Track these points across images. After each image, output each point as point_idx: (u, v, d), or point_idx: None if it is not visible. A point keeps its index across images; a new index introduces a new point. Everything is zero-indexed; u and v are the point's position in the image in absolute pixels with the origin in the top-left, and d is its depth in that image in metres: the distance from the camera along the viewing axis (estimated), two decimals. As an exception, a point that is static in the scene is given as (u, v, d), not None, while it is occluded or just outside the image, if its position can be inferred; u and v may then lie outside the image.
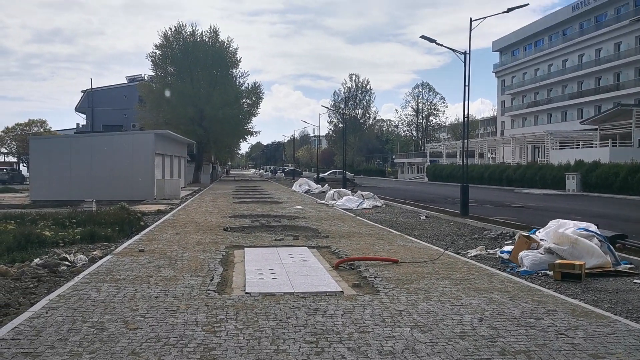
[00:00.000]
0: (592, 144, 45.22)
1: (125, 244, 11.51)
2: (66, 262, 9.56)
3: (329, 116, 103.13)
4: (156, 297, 6.94)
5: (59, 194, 26.79)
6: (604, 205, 25.52)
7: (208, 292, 7.25)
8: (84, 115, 66.72)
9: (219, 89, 50.82)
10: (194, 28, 53.05)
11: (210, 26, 53.77)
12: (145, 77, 61.55)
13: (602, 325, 5.95)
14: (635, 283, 8.57)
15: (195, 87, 50.57)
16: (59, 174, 27.44)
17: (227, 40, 53.98)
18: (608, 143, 41.79)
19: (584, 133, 49.54)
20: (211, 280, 7.98)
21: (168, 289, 7.36)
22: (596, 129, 46.34)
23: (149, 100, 50.53)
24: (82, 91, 67.62)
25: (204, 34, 53.21)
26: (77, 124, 70.63)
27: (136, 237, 12.62)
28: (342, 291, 7.43)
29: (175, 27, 51.99)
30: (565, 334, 5.63)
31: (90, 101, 64.75)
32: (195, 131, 49.65)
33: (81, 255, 10.16)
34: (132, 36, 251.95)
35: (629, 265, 9.69)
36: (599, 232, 10.11)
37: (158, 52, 51.23)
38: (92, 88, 65.87)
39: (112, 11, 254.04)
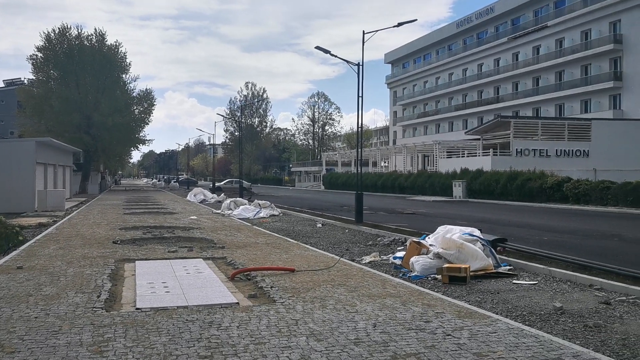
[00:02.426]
0: (476, 153, 48.13)
1: (1, 261, 10.63)
2: None
3: (225, 124, 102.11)
4: (36, 317, 6.45)
5: None
6: (487, 211, 27.20)
7: (94, 309, 6.85)
8: (-45, 121, 61.30)
9: (108, 95, 48.75)
10: (79, 31, 50.62)
11: (96, 29, 51.37)
12: (26, 81, 57.73)
13: (485, 325, 6.29)
14: (514, 284, 9.17)
15: (82, 92, 48.17)
16: None
17: (116, 44, 51.97)
18: (490, 152, 44.69)
19: (469, 143, 52.64)
20: (98, 296, 7.56)
21: (49, 308, 6.87)
22: (479, 139, 49.39)
23: (30, 106, 47.39)
24: (-48, 95, 62.13)
25: (90, 37, 50.82)
26: (-53, 131, 64.72)
27: (14, 253, 11.69)
28: (238, 302, 7.32)
29: (59, 28, 49.30)
30: (452, 334, 5.89)
31: (-38, 106, 59.61)
32: (82, 139, 47.17)
33: (-51, 275, 9.26)
34: (11, 37, 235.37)
35: (508, 267, 10.37)
36: (482, 237, 10.72)
37: (40, 54, 48.27)
38: (-36, 91, 60.67)
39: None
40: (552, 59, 55.32)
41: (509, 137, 43.85)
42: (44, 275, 9.13)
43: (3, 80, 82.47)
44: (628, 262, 10.62)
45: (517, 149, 43.16)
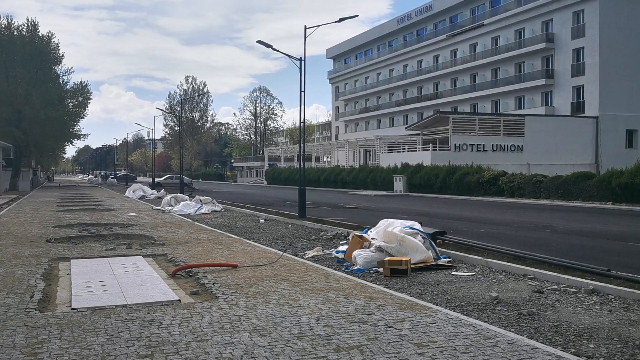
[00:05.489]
0: (416, 148, 49.07)
1: None
2: None
3: (165, 119, 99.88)
4: (-37, 320, 6.13)
5: None
6: (427, 204, 27.82)
7: (27, 310, 6.57)
8: None
9: (40, 88, 46.79)
10: (9, 20, 48.23)
11: (28, 19, 49.22)
12: (-50, 72, 54.63)
13: (425, 316, 6.43)
14: (453, 275, 9.42)
15: (12, 85, 46.01)
16: None
17: (48, 35, 49.88)
18: (429, 147, 45.67)
19: (409, 138, 53.58)
20: (31, 297, 7.25)
21: (-22, 311, 6.54)
22: (419, 134, 50.37)
23: (-46, 99, 44.88)
24: None
25: (21, 27, 48.56)
26: None
27: (-61, 254, 11.07)
28: (179, 300, 7.19)
29: (-13, 18, 46.82)
30: (394, 326, 5.99)
31: None
32: (12, 133, 45.03)
33: None
34: None
35: (447, 259, 10.64)
36: (422, 230, 10.95)
37: (-35, 45, 45.73)
38: None
39: None
40: (488, 57, 57.03)
41: (448, 132, 44.93)
42: (-29, 276, 8.67)
43: None
44: (559, 252, 11.12)
45: (455, 144, 44.27)
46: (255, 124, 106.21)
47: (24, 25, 48.84)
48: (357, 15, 22.31)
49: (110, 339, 5.50)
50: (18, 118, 46.39)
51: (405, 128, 56.94)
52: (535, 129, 45.37)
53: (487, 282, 8.85)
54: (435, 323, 6.14)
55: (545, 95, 52.34)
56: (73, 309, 6.72)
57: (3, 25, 47.44)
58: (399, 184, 39.80)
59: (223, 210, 24.26)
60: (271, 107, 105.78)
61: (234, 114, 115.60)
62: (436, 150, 45.17)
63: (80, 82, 54.62)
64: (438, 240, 11.72)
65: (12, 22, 48.34)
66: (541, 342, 5.63)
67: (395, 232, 10.37)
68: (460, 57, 61.51)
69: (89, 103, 54.34)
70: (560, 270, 9.08)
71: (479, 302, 7.50)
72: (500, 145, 45.15)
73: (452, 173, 36.38)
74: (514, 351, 5.18)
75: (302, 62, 20.89)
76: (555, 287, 8.31)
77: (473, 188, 34.21)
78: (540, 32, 51.87)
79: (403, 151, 50.20)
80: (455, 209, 24.41)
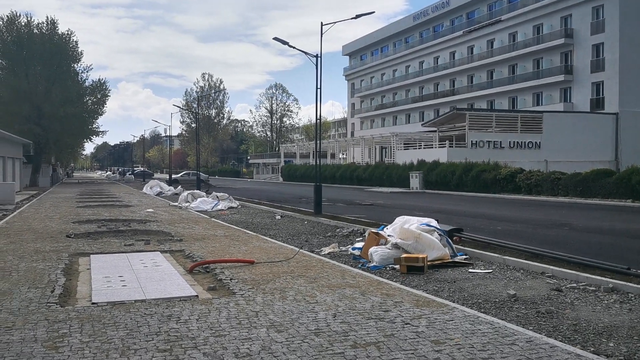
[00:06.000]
0: (432, 144, 48.81)
1: (-52, 257, 10.24)
2: None
3: (182, 116, 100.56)
4: (-14, 314, 6.25)
5: None
6: (443, 202, 27.69)
7: (49, 304, 6.68)
8: None
9: (59, 85, 47.28)
10: (29, 18, 48.74)
11: (47, 17, 49.68)
12: (-29, 70, 55.44)
13: (442, 313, 6.42)
14: (470, 272, 9.38)
15: (32, 82, 46.55)
16: None
17: (67, 33, 50.37)
18: (446, 144, 45.39)
19: (425, 134, 53.33)
20: (52, 291, 7.37)
21: (1, 304, 6.66)
22: (435, 131, 50.11)
23: (-24, 96, 45.56)
24: None
25: (40, 25, 49.10)
26: None
27: (-38, 248, 11.28)
28: (197, 295, 7.25)
29: (7, 16, 47.43)
30: (411, 323, 5.99)
31: None
32: (32, 130, 45.61)
33: None
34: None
35: (464, 256, 10.60)
36: (439, 227, 10.92)
37: (-14, 43, 46.34)
38: None
39: None
40: (506, 53, 56.50)
41: (465, 129, 44.64)
42: (-7, 270, 8.83)
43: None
44: (578, 250, 11.01)
45: (472, 141, 43.98)
46: (271, 121, 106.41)
47: (43, 23, 49.40)
48: (373, 12, 22.23)
49: (130, 333, 5.57)
50: (38, 115, 46.95)
51: (422, 125, 56.68)
52: (553, 125, 44.88)
53: (505, 279, 8.80)
54: (452, 320, 6.13)
55: (564, 92, 51.74)
56: (93, 303, 6.82)
57: (23, 23, 47.98)
58: (415, 181, 39.65)
59: (239, 206, 24.38)
60: (287, 104, 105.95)
61: (250, 110, 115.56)
62: (452, 147, 44.89)
63: (99, 79, 55.22)
64: (455, 238, 11.67)
65: (32, 20, 48.97)
66: (560, 341, 5.59)
67: (411, 229, 10.34)
68: (477, 54, 61.02)
69: (107, 100, 54.84)
70: (579, 269, 9.00)
71: (497, 300, 7.46)
72: (518, 142, 44.75)
73: (468, 170, 36.16)
74: (533, 349, 5.15)
75: (319, 58, 20.88)
76: (574, 285, 8.24)
77: (490, 185, 33.97)
78: (559, 28, 51.25)
79: (419, 148, 49.98)
80: (471, 206, 24.27)
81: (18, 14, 48.28)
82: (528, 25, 54.61)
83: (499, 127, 45.20)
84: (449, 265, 9.87)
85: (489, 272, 9.33)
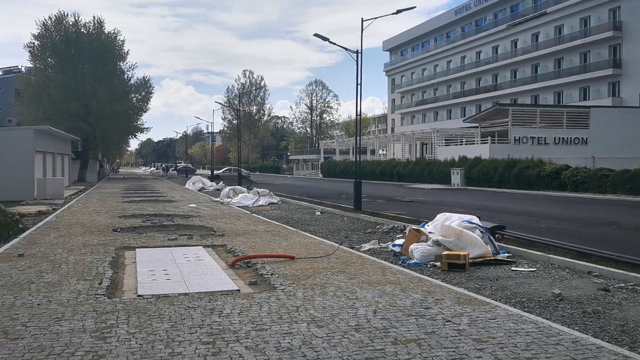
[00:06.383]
0: (474, 140, 48.08)
1: (2, 249, 10.65)
2: None
3: (223, 112, 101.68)
4: (38, 304, 6.49)
5: None
6: (485, 198, 27.26)
7: (97, 296, 6.89)
8: (-48, 109, 61.04)
9: (106, 83, 48.49)
10: (76, 18, 50.05)
11: (94, 17, 50.99)
12: (23, 69, 57.47)
13: (484, 311, 6.34)
14: (513, 270, 9.22)
15: (80, 80, 47.89)
16: None
17: (114, 32, 51.62)
18: (488, 140, 44.63)
19: (467, 130, 52.58)
20: (100, 283, 7.60)
21: (52, 295, 6.91)
22: (477, 127, 49.33)
23: (28, 94, 47.13)
24: (-51, 83, 61.80)
25: (87, 24, 50.45)
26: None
27: (14, 241, 11.72)
28: (238, 289, 7.36)
29: (56, 16, 48.84)
30: (452, 321, 5.94)
31: (-41, 94, 59.29)
32: (80, 127, 46.97)
33: (-50, 263, 9.28)
34: (7, 25, 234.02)
35: (507, 254, 10.42)
36: (480, 224, 10.77)
37: (37, 42, 47.83)
38: (-39, 79, 60.29)
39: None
40: (551, 46, 55.10)
41: (507, 124, 43.80)
42: (45, 262, 9.16)
43: (0, 68, 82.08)
44: (626, 249, 10.67)
45: (515, 137, 43.12)
46: (311, 117, 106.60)
47: (90, 23, 50.72)
48: (414, 7, 21.95)
49: (174, 325, 5.70)
50: (86, 113, 48.28)
51: (463, 120, 55.87)
52: (601, 120, 43.51)
53: (549, 278, 8.62)
54: (494, 319, 6.05)
55: (612, 86, 50.14)
56: (139, 295, 7.00)
57: (71, 23, 49.36)
58: (456, 178, 39.15)
59: (280, 202, 24.56)
60: (327, 100, 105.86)
61: (290, 107, 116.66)
62: (495, 143, 44.13)
63: (143, 77, 56.46)
64: (497, 235, 11.49)
65: (79, 20, 50.31)
66: (607, 342, 5.45)
67: (453, 226, 10.24)
68: (521, 47, 59.70)
69: (151, 97, 55.99)
70: (628, 268, 8.74)
71: (541, 299, 7.32)
72: (563, 138, 43.61)
73: (511, 166, 35.49)
74: (578, 350, 5.04)
75: (359, 54, 20.82)
76: (622, 285, 8.01)
77: (533, 182, 33.25)
78: (607, 20, 49.64)
79: (460, 144, 49.29)
80: (514, 204, 23.82)
81: (66, 14, 49.74)
82: (575, 18, 53.11)
83: (543, 122, 44.15)
84: (491, 263, 9.73)
85: (532, 271, 9.16)
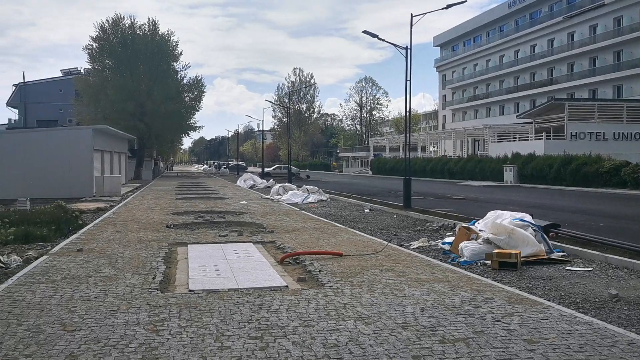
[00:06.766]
0: (528, 137, 46.88)
1: (62, 244, 11.13)
2: (-1, 264, 9.15)
3: (273, 110, 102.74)
4: (95, 297, 6.76)
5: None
6: (539, 196, 26.54)
7: (150, 290, 7.11)
8: (17, 110, 63.89)
9: (160, 83, 49.73)
10: (132, 20, 51.51)
11: (149, 18, 52.48)
12: (82, 71, 59.59)
13: (536, 312, 6.20)
14: (568, 270, 8.96)
15: (135, 81, 49.27)
16: (-10, 171, 26.15)
17: (168, 33, 52.88)
18: (542, 136, 43.40)
19: (520, 126, 51.30)
20: (153, 278, 7.83)
21: (108, 289, 7.17)
22: (531, 123, 48.05)
23: (87, 95, 48.86)
24: (13, 85, 64.74)
25: (143, 26, 51.85)
26: (9, 119, 67.64)
27: (74, 236, 12.22)
28: (287, 286, 7.44)
29: (112, 18, 50.43)
30: (502, 320, 5.83)
31: (23, 95, 61.96)
32: (135, 126, 48.40)
33: (15, 256, 9.74)
34: (66, 28, 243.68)
35: (561, 253, 10.13)
36: (533, 222, 10.50)
37: (95, 44, 49.53)
38: (24, 82, 63.05)
39: (43, 2, 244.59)
40: (610, 39, 52.99)
41: (563, 120, 42.49)
42: (102, 257, 9.51)
43: (61, 70, 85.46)
44: (689, 249, 10.19)
45: (571, 133, 41.79)
46: (361, 114, 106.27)
47: (145, 24, 52.11)
48: (465, 1, 21.55)
49: (223, 320, 5.82)
50: (141, 112, 49.66)
51: (517, 116, 54.50)
52: (664, 115, 41.67)
53: (606, 278, 8.34)
54: (547, 319, 5.90)
55: (676, 78, 47.86)
56: (190, 290, 7.18)
57: (127, 25, 50.86)
58: (509, 175, 38.26)
59: (329, 199, 24.62)
60: (376, 97, 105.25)
61: (340, 104, 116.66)
62: (550, 139, 42.88)
63: (196, 76, 57.50)
64: (551, 234, 11.19)
65: (135, 22, 51.77)
66: (666, 345, 5.23)
67: (504, 224, 10.03)
68: (578, 40, 57.69)
69: (203, 96, 57.09)
70: (691, 269, 8.35)
71: (596, 300, 7.09)
72: (623, 133, 41.96)
73: (567, 163, 34.40)
74: (634, 352, 4.87)
75: (409, 50, 20.62)
76: (684, 286, 7.67)
77: (591, 179, 32.13)
78: (670, 10, 47.43)
79: (514, 140, 48.14)
80: (570, 201, 23.10)
81: (122, 16, 51.30)
82: (635, 9, 50.89)
83: (601, 117, 42.60)
84: (544, 262, 9.48)
85: (588, 271, 8.87)
